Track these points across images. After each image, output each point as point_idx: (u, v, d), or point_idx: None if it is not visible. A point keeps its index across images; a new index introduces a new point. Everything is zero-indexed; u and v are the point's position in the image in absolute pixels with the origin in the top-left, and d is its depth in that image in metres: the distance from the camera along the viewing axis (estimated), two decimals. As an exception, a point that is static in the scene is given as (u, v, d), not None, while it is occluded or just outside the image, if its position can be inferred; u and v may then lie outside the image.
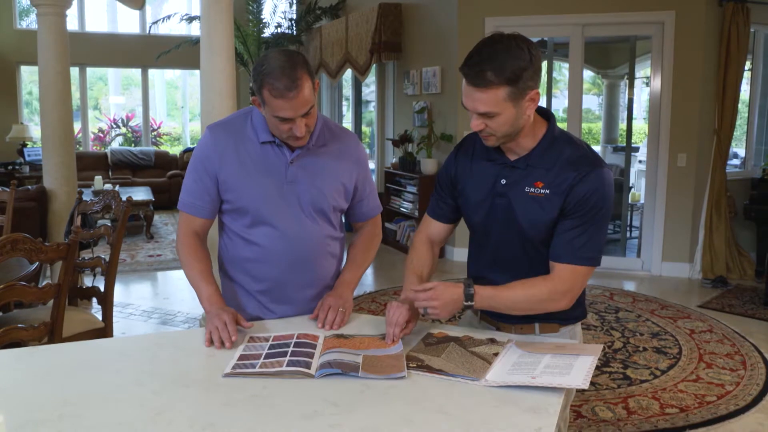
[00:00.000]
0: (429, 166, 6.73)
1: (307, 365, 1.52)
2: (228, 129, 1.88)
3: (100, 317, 3.21)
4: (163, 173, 10.38)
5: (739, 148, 7.58)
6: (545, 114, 1.71)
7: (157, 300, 5.46)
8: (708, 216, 5.96)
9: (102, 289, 3.19)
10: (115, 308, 3.89)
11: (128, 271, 6.32)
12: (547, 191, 1.65)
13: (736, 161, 7.35)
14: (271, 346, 1.64)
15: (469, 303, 1.63)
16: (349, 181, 1.95)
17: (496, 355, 1.61)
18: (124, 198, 3.44)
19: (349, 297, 1.90)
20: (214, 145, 1.85)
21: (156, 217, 8.64)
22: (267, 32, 9.76)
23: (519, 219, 1.68)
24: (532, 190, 1.67)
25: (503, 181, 1.70)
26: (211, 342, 1.65)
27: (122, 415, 1.29)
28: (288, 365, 1.51)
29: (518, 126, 1.61)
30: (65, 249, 2.43)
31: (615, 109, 10.77)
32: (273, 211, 1.86)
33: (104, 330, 3.16)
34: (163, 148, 12.13)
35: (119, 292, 5.58)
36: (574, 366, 1.50)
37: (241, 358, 1.58)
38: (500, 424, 1.29)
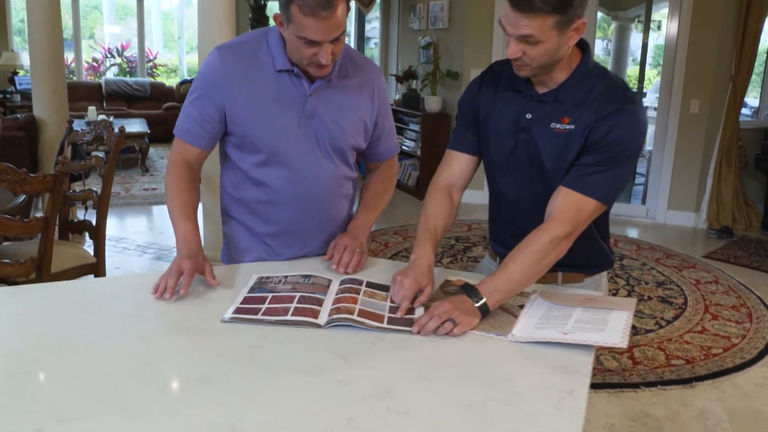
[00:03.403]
0: (433, 103, 6.51)
1: (315, 314, 1.39)
2: (240, 52, 1.66)
3: (92, 252, 3.08)
4: (158, 105, 10.10)
5: (749, 98, 7.35)
6: (581, 44, 1.53)
7: (152, 235, 5.34)
8: (717, 165, 5.81)
9: (94, 223, 3.05)
10: (108, 243, 3.77)
11: (122, 204, 6.18)
12: (572, 127, 1.49)
13: (745, 111, 7.15)
14: (278, 290, 1.51)
15: (482, 301, 1.40)
16: (369, 117, 1.76)
17: (521, 307, 1.48)
18: (116, 129, 3.26)
19: (364, 240, 1.75)
20: (224, 70, 1.64)
21: (151, 150, 8.44)
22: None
23: (543, 158, 1.53)
24: (557, 126, 1.51)
25: (528, 116, 1.54)
26: (157, 289, 1.48)
27: (106, 365, 1.16)
28: (294, 313, 1.38)
29: (557, 57, 1.45)
30: (51, 180, 2.27)
31: (624, 53, 10.43)
32: (287, 149, 1.67)
33: (96, 265, 3.04)
34: (159, 79, 11.79)
35: (113, 226, 5.46)
36: (609, 321, 1.38)
37: (245, 301, 1.45)
38: (526, 384, 1.17)
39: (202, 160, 1.74)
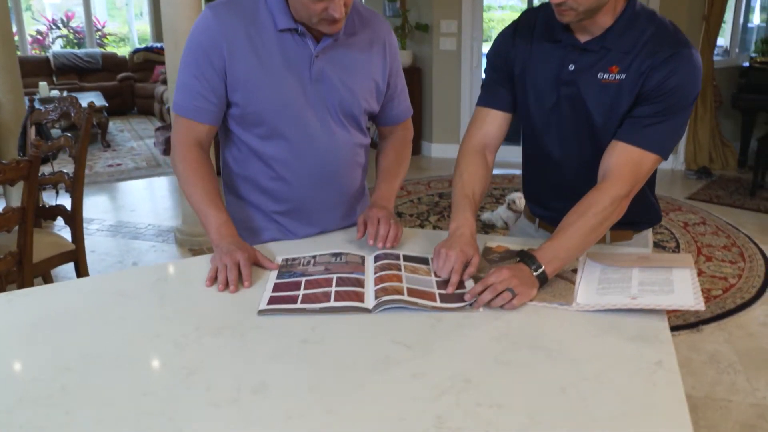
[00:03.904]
0: (404, 58, 6.30)
1: (360, 297, 1.26)
2: (235, 10, 1.46)
3: (68, 238, 2.87)
4: (112, 76, 9.62)
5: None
6: None
7: (124, 213, 5.09)
8: (694, 106, 5.78)
9: (69, 207, 2.84)
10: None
11: (87, 183, 5.83)
12: (623, 76, 1.36)
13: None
14: (310, 273, 1.36)
15: (540, 270, 1.28)
16: (381, 77, 1.59)
17: (574, 271, 1.37)
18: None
19: (393, 211, 1.61)
20: (220, 30, 1.44)
21: (111, 124, 8.08)
22: None
23: (591, 112, 1.39)
24: (605, 76, 1.37)
25: (571, 67, 1.40)
26: (213, 281, 1.33)
27: (144, 381, 1.00)
28: (336, 298, 1.24)
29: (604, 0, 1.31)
30: (26, 167, 2.06)
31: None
32: (296, 118, 1.50)
33: (76, 252, 2.84)
34: (109, 49, 11.24)
35: (81, 207, 5.18)
36: (674, 282, 1.28)
37: (277, 288, 1.30)
38: (611, 359, 1.06)
39: (212, 138, 1.55)
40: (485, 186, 1.52)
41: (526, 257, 1.29)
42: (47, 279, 2.94)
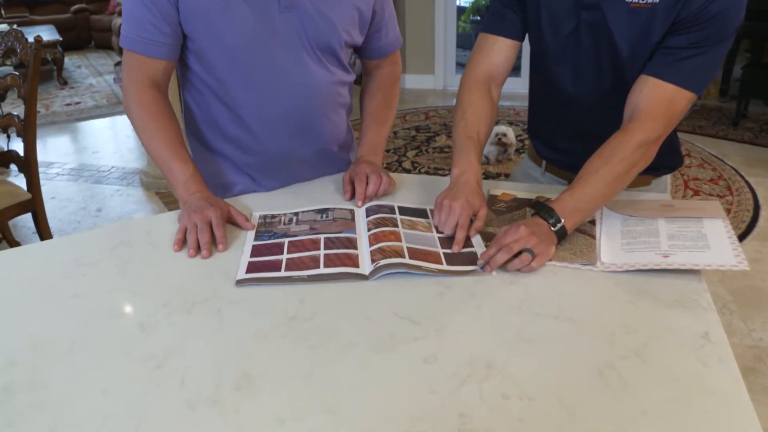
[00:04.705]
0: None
1: (353, 261, 1.08)
2: None
3: (23, 186, 2.65)
4: (65, 8, 9.07)
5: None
6: None
7: (85, 155, 4.81)
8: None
9: (21, 153, 2.60)
10: (38, 171, 3.30)
11: (45, 123, 5.55)
12: (656, 0, 1.17)
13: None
14: (293, 233, 1.19)
15: (560, 225, 1.12)
16: (365, 3, 1.37)
17: (592, 223, 1.22)
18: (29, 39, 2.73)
19: (380, 163, 1.43)
20: None
21: (66, 60, 7.62)
22: None
23: (617, 41, 1.21)
24: (635, 0, 1.18)
25: None
26: (182, 245, 1.15)
27: (104, 377, 0.82)
28: (327, 264, 1.07)
29: None
30: (-36, 108, 1.82)
31: None
32: (262, 54, 1.28)
33: (32, 201, 2.62)
34: (60, -22, 10.57)
35: (38, 150, 4.87)
36: (708, 236, 1.14)
37: (255, 251, 1.13)
38: (649, 331, 0.92)
39: (169, 75, 1.33)
40: (490, 125, 1.34)
41: (542, 210, 1.13)
42: (5, 232, 2.72)
